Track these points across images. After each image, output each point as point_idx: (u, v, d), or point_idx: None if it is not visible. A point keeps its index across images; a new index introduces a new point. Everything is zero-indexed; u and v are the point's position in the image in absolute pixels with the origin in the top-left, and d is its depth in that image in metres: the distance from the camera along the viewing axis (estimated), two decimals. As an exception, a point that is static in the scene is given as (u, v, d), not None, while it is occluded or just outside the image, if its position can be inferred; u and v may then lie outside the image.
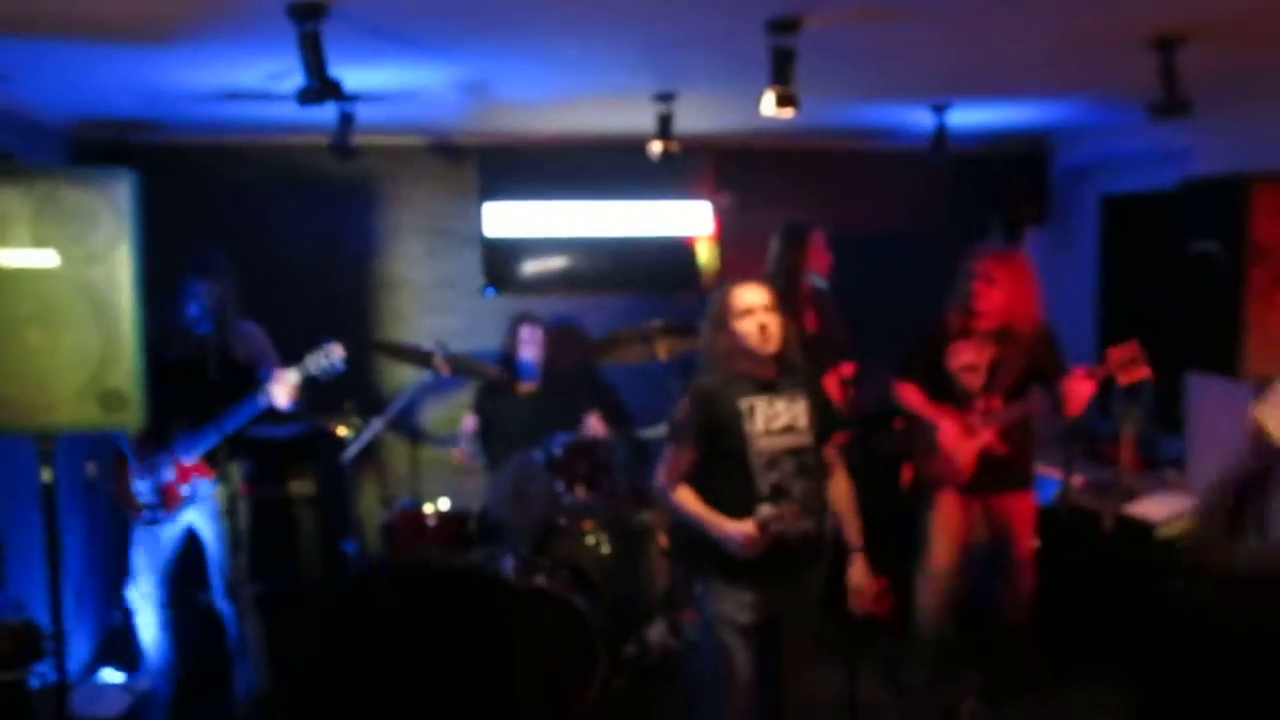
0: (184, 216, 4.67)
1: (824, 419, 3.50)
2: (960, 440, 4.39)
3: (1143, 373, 4.25)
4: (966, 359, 4.48)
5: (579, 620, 4.38)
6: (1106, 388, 4.84)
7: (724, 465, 3.38)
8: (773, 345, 3.40)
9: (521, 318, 5.37)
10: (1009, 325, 4.42)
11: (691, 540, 3.52)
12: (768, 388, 3.42)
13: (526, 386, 5.33)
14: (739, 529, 3.27)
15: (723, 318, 3.44)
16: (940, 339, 4.53)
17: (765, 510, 3.27)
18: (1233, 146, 4.54)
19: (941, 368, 4.52)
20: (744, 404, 3.38)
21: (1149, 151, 5.34)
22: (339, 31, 2.98)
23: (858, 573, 3.59)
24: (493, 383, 5.36)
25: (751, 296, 3.42)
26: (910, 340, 4.68)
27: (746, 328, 3.38)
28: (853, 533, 3.62)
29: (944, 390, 4.51)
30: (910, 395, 4.53)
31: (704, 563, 3.49)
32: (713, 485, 3.43)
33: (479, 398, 5.40)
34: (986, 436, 4.39)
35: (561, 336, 5.69)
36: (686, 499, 3.42)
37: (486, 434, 5.36)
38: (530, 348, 5.28)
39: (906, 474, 4.65)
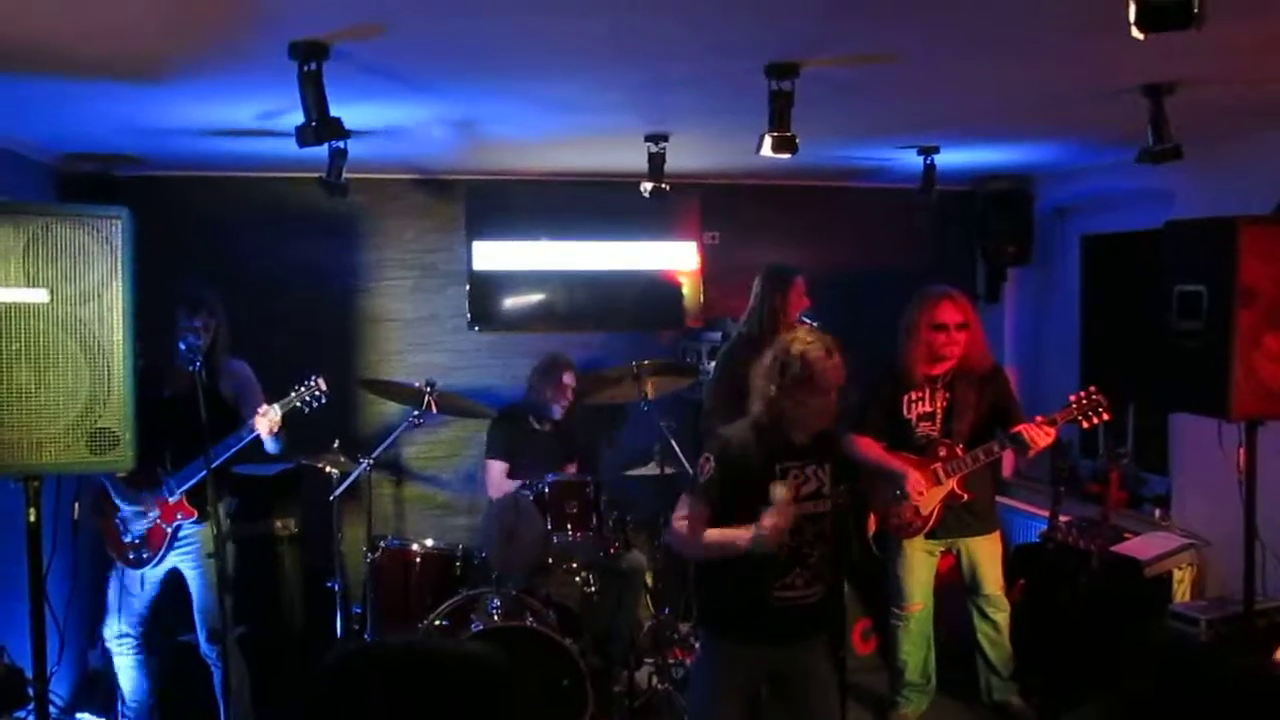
0: (168, 251, 4.61)
1: (842, 472, 3.36)
2: (925, 489, 4.41)
3: (1104, 416, 4.30)
4: (922, 408, 4.52)
5: (568, 661, 4.33)
6: (1091, 430, 4.89)
7: (744, 526, 3.14)
8: (829, 421, 3.27)
9: (559, 362, 5.31)
10: (963, 367, 4.46)
11: (705, 592, 3.46)
12: (802, 453, 3.25)
13: (546, 423, 5.31)
14: (766, 520, 3.05)
15: (791, 382, 3.18)
16: (894, 389, 4.55)
17: (779, 491, 3.10)
18: (1214, 189, 4.60)
19: (897, 418, 4.54)
20: (778, 469, 3.20)
21: (1129, 192, 5.40)
22: (336, 70, 2.98)
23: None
24: (505, 419, 5.32)
25: (835, 374, 3.18)
26: (863, 392, 4.66)
27: (816, 403, 3.19)
28: None
29: (901, 440, 4.53)
30: (869, 448, 4.52)
31: (712, 616, 3.42)
32: None
33: (496, 438, 5.32)
34: (950, 484, 4.42)
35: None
36: (709, 536, 3.20)
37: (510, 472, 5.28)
38: (568, 392, 5.26)
39: (871, 524, 4.67)
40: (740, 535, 3.13)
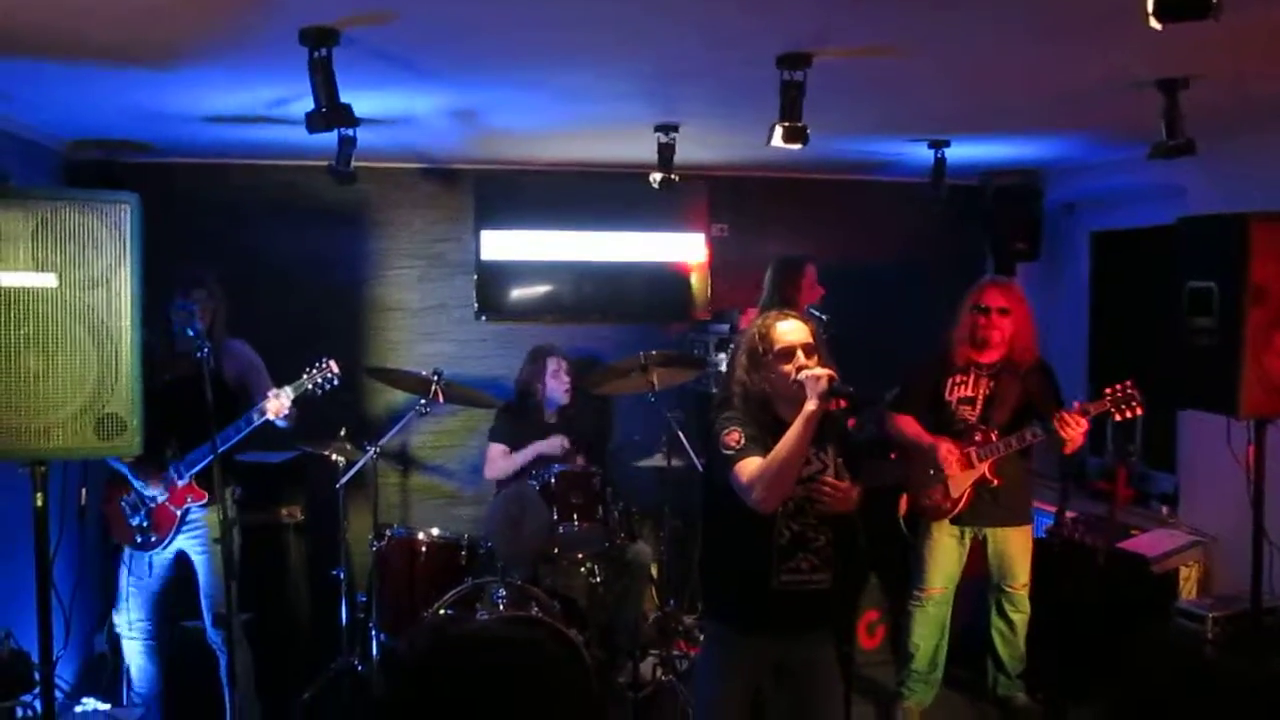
0: (174, 238, 4.61)
1: (851, 465, 3.27)
2: (957, 467, 4.41)
3: (1137, 410, 4.28)
4: (963, 392, 4.52)
5: (574, 652, 4.33)
6: (1100, 424, 4.87)
7: (745, 509, 3.06)
8: None
9: (541, 350, 5.31)
10: (1009, 357, 4.46)
11: (709, 580, 3.44)
12: None
13: (548, 415, 5.29)
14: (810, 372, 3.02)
15: (760, 357, 3.16)
16: (939, 372, 4.56)
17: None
18: (1227, 185, 4.57)
19: (938, 400, 4.55)
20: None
21: (1139, 188, 5.37)
22: (345, 57, 2.97)
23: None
24: (512, 409, 5.32)
25: (793, 334, 3.14)
26: (907, 373, 4.70)
27: (786, 370, 3.10)
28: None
29: (940, 423, 4.53)
30: (908, 425, 4.55)
31: (716, 603, 3.38)
32: (728, 529, 3.21)
33: (500, 426, 5.31)
34: (982, 469, 4.42)
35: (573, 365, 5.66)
36: (782, 444, 2.99)
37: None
38: (558, 379, 5.24)
39: (902, 505, 4.68)
40: (805, 409, 2.98)
